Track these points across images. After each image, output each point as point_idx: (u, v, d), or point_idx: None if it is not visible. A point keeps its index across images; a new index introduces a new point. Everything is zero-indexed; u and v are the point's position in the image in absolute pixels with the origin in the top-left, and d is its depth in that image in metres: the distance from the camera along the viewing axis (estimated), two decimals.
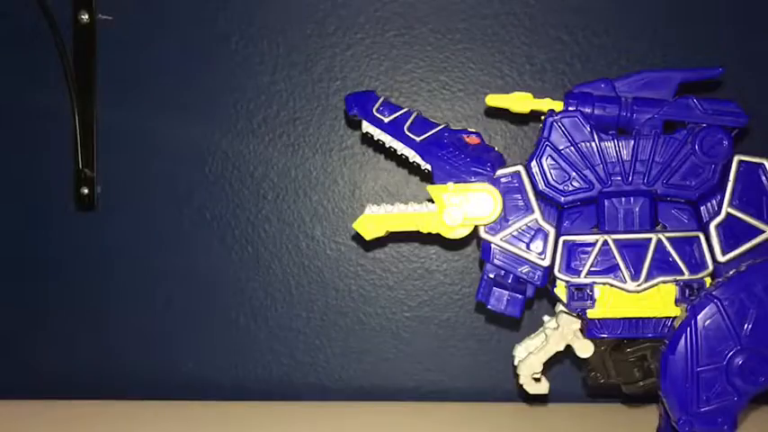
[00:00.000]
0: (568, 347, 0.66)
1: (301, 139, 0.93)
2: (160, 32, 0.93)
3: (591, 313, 0.63)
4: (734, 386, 0.59)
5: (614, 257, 0.62)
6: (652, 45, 0.89)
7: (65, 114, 0.92)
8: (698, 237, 0.62)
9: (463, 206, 0.62)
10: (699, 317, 0.58)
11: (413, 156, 0.64)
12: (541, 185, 0.62)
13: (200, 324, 0.94)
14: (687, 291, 0.62)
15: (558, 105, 0.63)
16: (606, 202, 0.62)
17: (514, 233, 0.63)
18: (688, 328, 0.59)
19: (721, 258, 0.61)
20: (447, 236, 0.63)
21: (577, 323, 0.66)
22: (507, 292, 0.63)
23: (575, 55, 0.90)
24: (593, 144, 0.61)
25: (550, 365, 0.67)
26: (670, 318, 0.62)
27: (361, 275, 0.94)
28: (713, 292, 0.59)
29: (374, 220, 0.63)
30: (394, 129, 0.64)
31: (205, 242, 0.93)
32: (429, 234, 0.63)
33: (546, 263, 0.62)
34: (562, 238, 0.62)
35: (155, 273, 0.93)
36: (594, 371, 0.67)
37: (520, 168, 0.63)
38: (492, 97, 0.64)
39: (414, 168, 0.65)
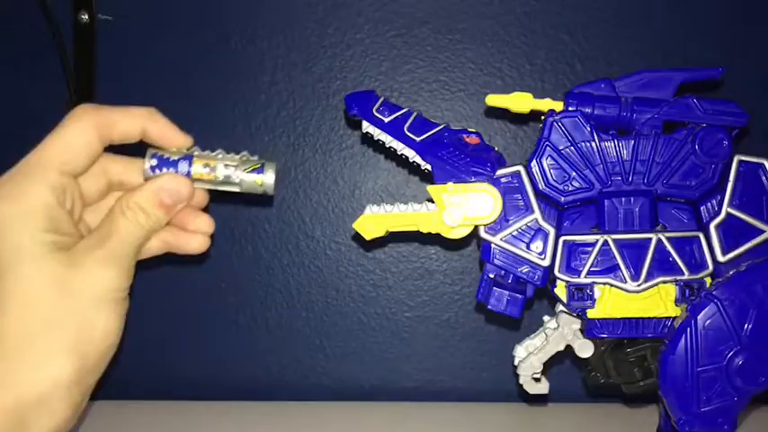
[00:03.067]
0: (568, 347, 0.66)
1: (301, 139, 0.93)
2: (160, 32, 0.93)
3: (591, 313, 0.63)
4: (734, 386, 0.59)
5: (614, 257, 0.62)
6: (652, 45, 0.89)
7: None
8: (698, 237, 0.62)
9: (463, 206, 0.62)
10: (699, 317, 0.59)
11: (413, 156, 0.63)
12: (541, 185, 0.62)
13: (199, 324, 0.95)
14: (687, 291, 0.62)
15: (558, 105, 0.63)
16: (606, 202, 0.62)
17: (514, 233, 0.63)
18: (688, 329, 0.59)
19: (721, 258, 0.61)
20: (447, 236, 0.63)
21: (577, 323, 0.66)
22: (507, 292, 0.63)
23: (575, 55, 0.91)
24: (594, 144, 0.61)
25: (550, 365, 0.67)
26: (670, 318, 0.62)
27: (361, 275, 0.94)
28: (713, 292, 0.59)
29: (374, 220, 0.63)
30: (394, 129, 0.64)
31: None
32: (429, 234, 0.63)
33: (546, 263, 0.62)
34: (562, 238, 0.62)
35: (154, 273, 0.93)
36: (594, 371, 0.67)
37: (520, 168, 0.63)
38: (492, 97, 0.64)
39: (414, 168, 0.64)
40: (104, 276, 0.52)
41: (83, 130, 0.53)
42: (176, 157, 0.56)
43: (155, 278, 0.93)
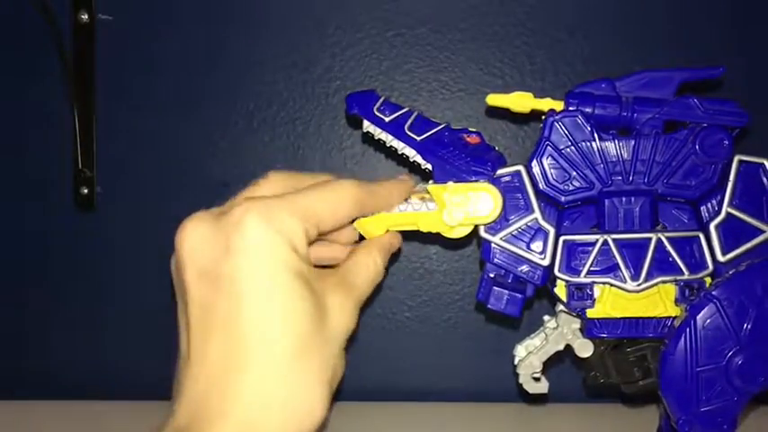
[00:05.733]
0: (568, 347, 0.66)
1: (301, 139, 0.93)
2: (160, 32, 0.93)
3: (591, 313, 0.63)
4: (733, 386, 0.59)
5: (614, 257, 0.62)
6: (652, 45, 0.89)
7: (65, 114, 0.92)
8: (698, 236, 0.62)
9: (463, 205, 0.62)
10: (698, 317, 0.59)
11: (413, 155, 0.64)
12: (542, 185, 0.62)
13: None
14: (687, 291, 0.62)
15: (558, 105, 0.63)
16: (606, 202, 0.62)
17: (514, 233, 0.63)
18: (688, 328, 0.59)
19: (721, 258, 0.61)
20: (447, 235, 0.63)
21: (577, 323, 0.66)
22: (507, 292, 0.63)
23: (575, 55, 0.90)
24: (594, 144, 0.61)
25: (550, 365, 0.67)
26: (670, 318, 0.62)
27: None
28: (713, 292, 0.59)
29: (374, 220, 0.63)
30: (394, 128, 0.64)
31: None
32: (429, 233, 0.63)
33: (546, 262, 0.62)
34: (562, 238, 0.62)
35: (155, 273, 0.93)
36: (594, 371, 0.67)
37: (520, 168, 0.63)
38: (493, 97, 0.64)
39: (414, 168, 0.65)
40: (349, 323, 0.54)
41: (348, 204, 0.56)
42: None
43: (154, 279, 0.93)
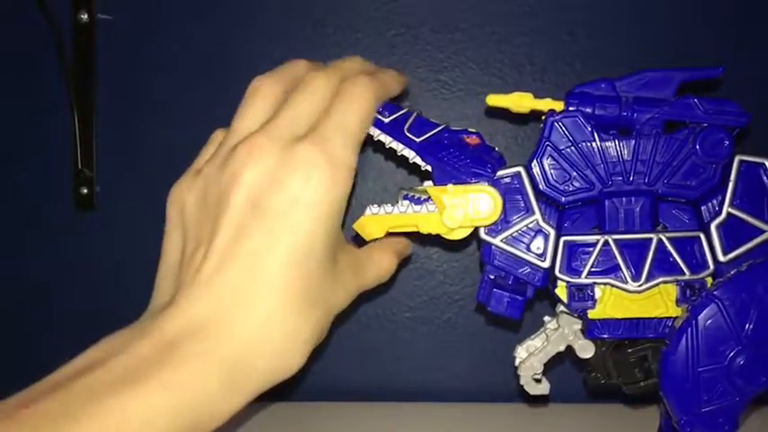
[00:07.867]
0: (569, 348, 0.66)
1: None
2: (160, 32, 0.93)
3: (592, 314, 0.62)
4: (735, 386, 0.59)
5: (615, 258, 0.61)
6: (652, 45, 0.89)
7: (65, 114, 0.92)
8: (699, 237, 0.61)
9: (463, 207, 0.61)
10: (700, 317, 0.58)
11: (413, 156, 0.63)
12: (542, 185, 0.62)
13: None
14: (688, 291, 0.61)
15: (558, 105, 0.63)
16: (607, 202, 0.62)
17: (515, 234, 0.63)
18: (689, 329, 0.59)
19: (722, 258, 0.61)
20: (447, 237, 0.63)
21: (578, 323, 0.65)
22: (507, 294, 0.63)
23: (575, 55, 0.90)
24: (594, 144, 0.61)
25: (551, 366, 0.67)
26: (671, 318, 0.62)
27: None
28: (714, 293, 0.59)
29: (374, 221, 0.63)
30: (394, 129, 0.63)
31: None
32: (429, 234, 0.63)
33: (546, 264, 0.62)
34: (563, 239, 0.62)
35: (155, 273, 0.93)
36: (595, 371, 0.66)
37: (520, 169, 0.62)
38: (492, 97, 0.64)
39: (414, 169, 0.64)
40: (345, 302, 0.57)
41: (374, 103, 0.59)
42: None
43: (154, 279, 0.93)
